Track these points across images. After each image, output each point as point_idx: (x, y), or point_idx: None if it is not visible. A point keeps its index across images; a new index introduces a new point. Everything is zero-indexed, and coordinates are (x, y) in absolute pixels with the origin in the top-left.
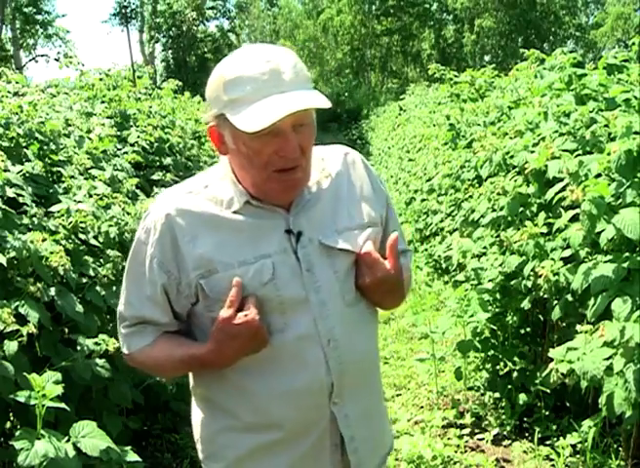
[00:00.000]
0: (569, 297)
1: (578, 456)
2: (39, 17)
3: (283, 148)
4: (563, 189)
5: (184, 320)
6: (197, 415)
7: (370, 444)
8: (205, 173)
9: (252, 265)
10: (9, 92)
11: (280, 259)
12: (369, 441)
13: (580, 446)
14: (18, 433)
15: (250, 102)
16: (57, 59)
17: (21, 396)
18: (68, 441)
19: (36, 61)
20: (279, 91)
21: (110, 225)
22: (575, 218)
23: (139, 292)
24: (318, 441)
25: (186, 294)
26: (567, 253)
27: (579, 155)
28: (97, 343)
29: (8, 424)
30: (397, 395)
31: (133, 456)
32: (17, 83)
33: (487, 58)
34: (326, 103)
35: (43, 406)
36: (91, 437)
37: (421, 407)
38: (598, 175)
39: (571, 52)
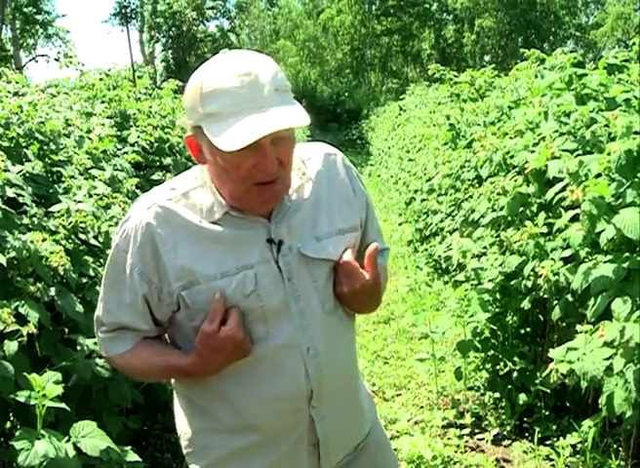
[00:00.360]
0: (569, 297)
1: (578, 456)
2: (39, 17)
3: (261, 163)
4: (563, 189)
5: (165, 326)
6: (179, 413)
7: (340, 439)
8: (183, 177)
9: (234, 276)
10: (9, 92)
11: (262, 270)
12: (340, 437)
13: (580, 446)
14: (18, 433)
15: (227, 118)
16: (57, 59)
17: (22, 396)
18: (68, 441)
19: (36, 61)
20: (257, 107)
21: (110, 225)
22: (575, 218)
23: (118, 299)
24: (297, 442)
25: (168, 303)
26: (567, 253)
27: (579, 155)
28: (97, 343)
29: (8, 424)
30: (397, 395)
31: (133, 456)
32: (17, 83)
33: (487, 57)
34: (305, 121)
35: (43, 406)
36: (91, 437)
37: (421, 407)
38: (598, 175)
39: (571, 52)
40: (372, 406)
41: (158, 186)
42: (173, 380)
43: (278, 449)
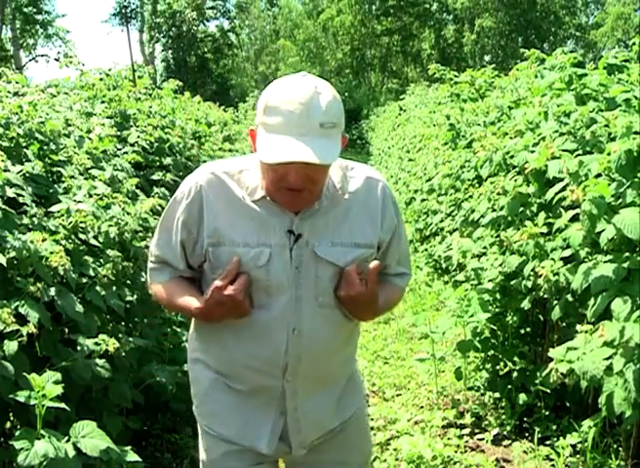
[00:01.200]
0: (569, 297)
1: (578, 456)
2: (39, 17)
3: (291, 175)
4: (563, 189)
5: (198, 270)
6: (190, 345)
7: (312, 418)
8: (246, 158)
9: (253, 249)
10: (9, 92)
11: (277, 251)
12: (312, 416)
13: (579, 446)
14: (17, 433)
15: (274, 132)
16: (57, 59)
17: (21, 396)
18: (68, 441)
19: (36, 61)
20: (300, 133)
21: (110, 225)
22: (575, 218)
23: (166, 239)
24: (266, 404)
25: (198, 254)
26: (567, 252)
27: (579, 155)
28: (97, 343)
29: (8, 424)
30: (397, 395)
31: (133, 456)
32: (17, 83)
33: (487, 58)
34: (327, 160)
35: (43, 406)
36: (91, 437)
37: (421, 407)
38: (598, 175)
39: (571, 52)
40: (359, 392)
41: (223, 159)
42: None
43: (249, 402)
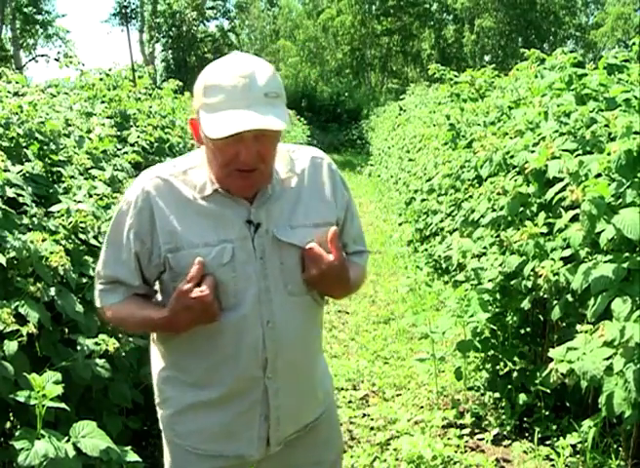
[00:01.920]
0: (569, 297)
1: (578, 456)
2: (39, 16)
3: (242, 153)
4: (563, 189)
5: (153, 285)
6: (154, 365)
7: (292, 414)
8: (187, 157)
9: (214, 247)
10: (9, 92)
11: (239, 245)
12: (291, 412)
13: (579, 446)
14: (18, 433)
15: (219, 110)
16: (57, 59)
17: (21, 396)
18: (68, 441)
19: (36, 61)
20: (245, 105)
21: None
22: (575, 218)
23: (115, 255)
24: (249, 409)
25: (156, 264)
26: (567, 252)
27: (579, 155)
28: (97, 343)
29: (8, 424)
30: (397, 395)
31: (133, 456)
32: (17, 83)
33: (487, 58)
34: (279, 126)
35: (43, 406)
36: (91, 437)
37: (421, 407)
38: (598, 175)
39: (571, 52)
40: (330, 388)
41: (163, 162)
42: (152, 335)
43: (231, 412)
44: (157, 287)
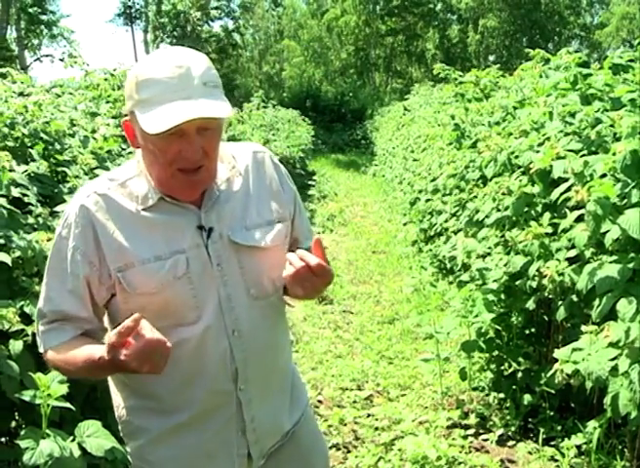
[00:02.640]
0: (574, 298)
1: (582, 457)
2: (44, 17)
3: (186, 149)
4: (568, 189)
5: (102, 314)
6: (116, 397)
7: (268, 424)
8: (122, 169)
9: (167, 260)
10: (14, 92)
11: (193, 255)
12: (268, 421)
13: (584, 446)
14: (23, 432)
15: (157, 104)
16: (61, 60)
17: (27, 395)
18: (73, 440)
19: (41, 61)
20: (185, 96)
21: None
22: (580, 219)
23: (60, 287)
24: (225, 426)
25: (107, 286)
26: (572, 253)
27: (584, 155)
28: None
29: (13, 423)
30: (402, 395)
31: None
32: (22, 83)
33: (491, 58)
34: (224, 113)
35: (48, 405)
36: (96, 436)
37: (426, 407)
38: (603, 176)
39: (576, 52)
40: (304, 392)
41: (97, 177)
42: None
43: (206, 432)
44: (105, 319)
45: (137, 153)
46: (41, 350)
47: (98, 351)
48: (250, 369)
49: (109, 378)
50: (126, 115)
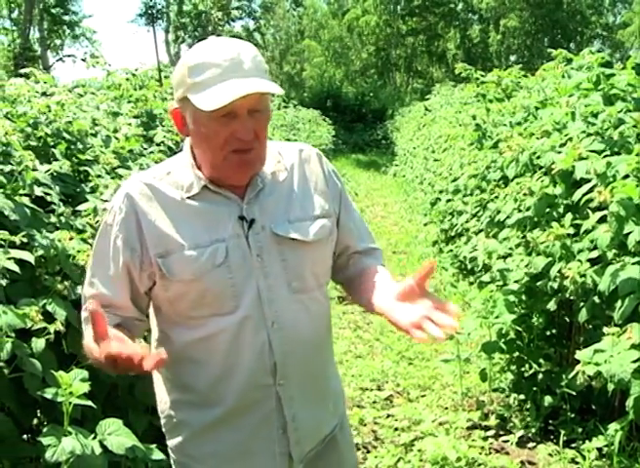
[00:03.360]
0: (596, 299)
1: (604, 460)
2: (66, 17)
3: (239, 130)
4: (590, 190)
5: (145, 303)
6: (159, 392)
7: (310, 424)
8: (169, 160)
9: (207, 248)
10: (37, 92)
11: (233, 244)
12: (310, 421)
13: (606, 449)
14: (45, 429)
15: (211, 85)
16: (83, 60)
17: (49, 393)
18: (95, 438)
19: (63, 62)
20: (238, 76)
21: None
22: (602, 220)
23: (102, 272)
24: (264, 422)
25: (149, 273)
26: (594, 254)
27: (606, 156)
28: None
29: (35, 421)
30: (422, 396)
31: (158, 455)
32: (45, 83)
33: (513, 58)
34: (278, 90)
35: (70, 403)
36: (117, 435)
37: (446, 408)
38: (626, 177)
39: (598, 51)
40: (343, 400)
41: (143, 171)
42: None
43: (246, 427)
44: (151, 309)
45: (184, 145)
46: (84, 342)
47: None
48: (290, 364)
49: (154, 373)
50: (172, 106)
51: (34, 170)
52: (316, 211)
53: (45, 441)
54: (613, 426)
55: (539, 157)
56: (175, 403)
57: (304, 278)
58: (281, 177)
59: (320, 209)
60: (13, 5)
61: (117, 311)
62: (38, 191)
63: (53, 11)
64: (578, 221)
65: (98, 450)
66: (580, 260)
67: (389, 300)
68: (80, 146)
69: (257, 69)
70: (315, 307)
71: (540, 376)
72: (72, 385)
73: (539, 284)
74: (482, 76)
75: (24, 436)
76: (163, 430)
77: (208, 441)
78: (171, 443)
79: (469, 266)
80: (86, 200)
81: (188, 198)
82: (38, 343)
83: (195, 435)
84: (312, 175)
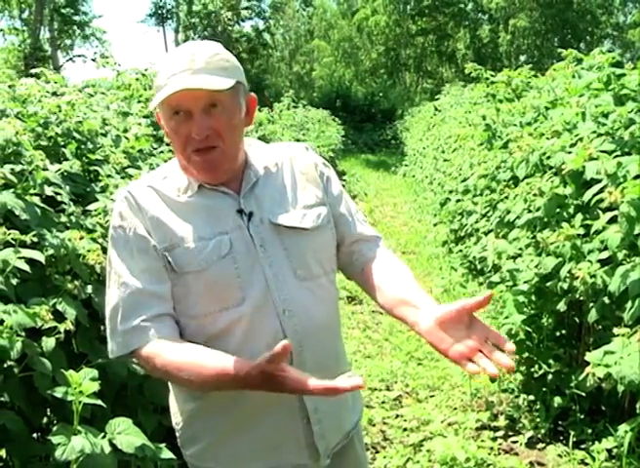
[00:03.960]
0: (606, 300)
1: (613, 461)
2: (76, 17)
3: (192, 129)
4: (601, 190)
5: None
6: (173, 402)
7: (333, 417)
8: (163, 167)
9: (210, 240)
10: (47, 92)
11: (236, 236)
12: (332, 414)
13: (615, 450)
14: (55, 428)
15: (164, 85)
16: (93, 60)
17: (59, 392)
18: (104, 437)
19: (73, 62)
20: (187, 73)
21: None
22: (613, 220)
23: (132, 270)
24: (288, 414)
25: (163, 264)
26: (604, 254)
27: (617, 156)
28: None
29: (45, 419)
30: (431, 396)
31: (167, 454)
32: (55, 83)
33: (522, 58)
34: (221, 85)
35: (80, 402)
36: (126, 434)
37: (455, 408)
38: (637, 177)
39: (608, 51)
40: (360, 398)
41: (142, 176)
42: (145, 369)
43: (270, 423)
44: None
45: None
46: (125, 351)
47: (236, 366)
48: (305, 351)
49: (171, 390)
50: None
51: (45, 169)
52: (311, 199)
53: (55, 439)
54: (623, 427)
55: (549, 157)
56: (193, 411)
57: (309, 265)
58: (273, 170)
59: (315, 197)
60: (23, 5)
61: (160, 304)
62: (49, 191)
63: (63, 11)
64: (588, 222)
65: (107, 449)
66: (590, 261)
67: (428, 320)
68: (90, 146)
69: (209, 67)
70: (323, 293)
71: (550, 377)
72: (82, 384)
73: (548, 284)
74: (492, 76)
75: (34, 435)
76: (178, 441)
77: (232, 443)
78: (190, 451)
79: (479, 267)
80: (96, 199)
81: (187, 197)
82: (48, 342)
83: (217, 441)
84: (303, 166)
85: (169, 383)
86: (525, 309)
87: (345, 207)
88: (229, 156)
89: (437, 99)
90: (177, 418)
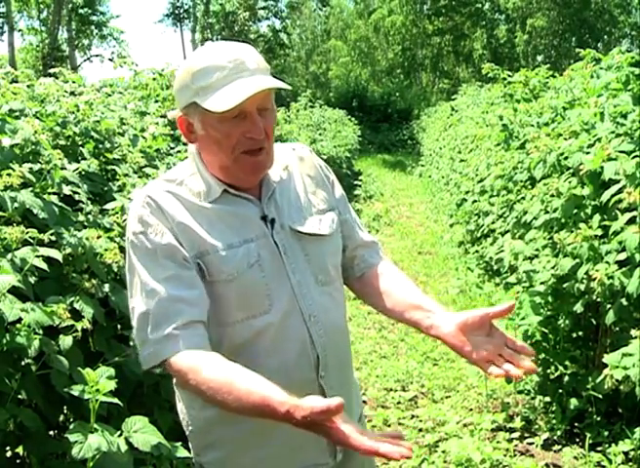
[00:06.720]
0: (623, 301)
1: (630, 464)
2: (94, 17)
3: (250, 130)
4: (619, 191)
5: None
6: (188, 412)
7: (346, 412)
8: (175, 169)
9: (239, 248)
10: (65, 91)
11: (262, 243)
12: (346, 410)
13: (632, 453)
14: (72, 426)
15: (217, 88)
16: (111, 59)
17: (76, 390)
18: (121, 435)
19: (91, 61)
20: (244, 75)
21: None
22: (631, 221)
23: (157, 279)
24: None
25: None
26: (622, 256)
27: (636, 156)
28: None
29: (61, 417)
30: (446, 397)
31: (183, 452)
32: (73, 82)
33: (540, 58)
34: (286, 85)
35: (96, 400)
36: (143, 432)
37: (471, 409)
38: None
39: (627, 51)
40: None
41: (151, 181)
42: (176, 380)
43: (291, 428)
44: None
45: (190, 152)
46: (156, 361)
47: (279, 400)
48: (328, 354)
49: (177, 393)
50: (176, 115)
51: (63, 168)
52: (322, 204)
53: (72, 437)
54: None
55: (566, 158)
56: (213, 419)
57: (327, 270)
58: (285, 176)
59: (325, 202)
60: (42, 6)
61: (192, 310)
62: (66, 190)
63: (81, 11)
64: (606, 223)
65: (123, 448)
66: (607, 262)
67: (449, 324)
68: (108, 145)
69: (260, 68)
70: (339, 296)
71: (566, 379)
72: (99, 382)
73: (565, 285)
74: (509, 76)
75: (51, 432)
76: (191, 447)
77: (255, 448)
78: (208, 459)
79: (495, 267)
80: (113, 199)
81: (209, 203)
82: (65, 341)
83: (241, 447)
84: (311, 170)
85: (176, 393)
86: (541, 310)
87: (348, 212)
88: (272, 158)
89: (454, 100)
90: (191, 425)
